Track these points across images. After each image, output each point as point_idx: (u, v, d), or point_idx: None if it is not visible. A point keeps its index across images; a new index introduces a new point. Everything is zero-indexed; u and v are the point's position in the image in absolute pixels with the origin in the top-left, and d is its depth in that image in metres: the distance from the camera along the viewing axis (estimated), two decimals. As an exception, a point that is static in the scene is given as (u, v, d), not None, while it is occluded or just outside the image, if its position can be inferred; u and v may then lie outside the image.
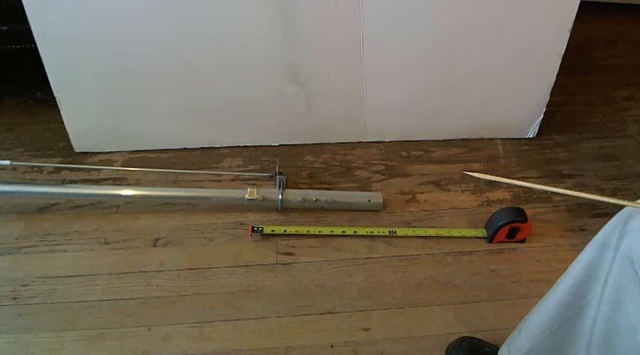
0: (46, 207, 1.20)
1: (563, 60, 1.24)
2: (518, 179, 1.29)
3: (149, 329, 1.00)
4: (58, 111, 1.25)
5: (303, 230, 1.15)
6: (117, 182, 1.27)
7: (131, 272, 1.08)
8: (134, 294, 1.05)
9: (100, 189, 1.21)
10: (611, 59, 1.68)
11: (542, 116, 1.36)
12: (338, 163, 1.33)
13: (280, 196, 1.18)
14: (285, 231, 1.15)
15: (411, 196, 1.26)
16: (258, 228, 1.15)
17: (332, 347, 0.98)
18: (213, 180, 1.28)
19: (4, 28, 1.26)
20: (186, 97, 1.26)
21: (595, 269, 0.65)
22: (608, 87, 1.58)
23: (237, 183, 1.28)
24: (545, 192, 1.27)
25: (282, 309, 1.03)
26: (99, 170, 1.29)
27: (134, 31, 1.14)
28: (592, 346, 0.67)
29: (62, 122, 1.28)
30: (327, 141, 1.38)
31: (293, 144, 1.37)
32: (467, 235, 1.16)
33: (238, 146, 1.37)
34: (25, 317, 1.01)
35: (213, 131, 1.34)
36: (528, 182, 1.32)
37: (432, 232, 1.16)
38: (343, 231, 1.16)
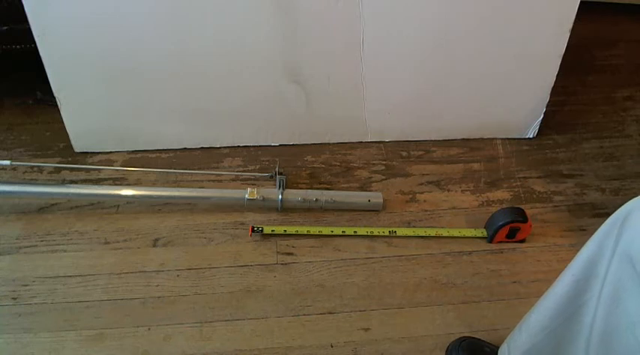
0: (46, 207, 1.20)
1: (563, 60, 1.24)
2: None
3: (149, 329, 1.00)
4: (58, 111, 1.25)
5: (303, 230, 1.15)
6: (117, 182, 1.27)
7: (131, 272, 1.08)
8: (134, 294, 1.05)
9: (100, 189, 1.21)
10: (611, 59, 1.68)
11: (542, 116, 1.36)
12: (338, 163, 1.33)
13: (280, 196, 1.18)
14: (285, 231, 1.15)
15: (411, 196, 1.26)
16: (258, 228, 1.15)
17: (332, 347, 0.98)
18: (213, 180, 1.28)
19: (4, 28, 1.26)
20: (186, 97, 1.26)
21: (594, 266, 0.65)
22: (608, 87, 1.57)
23: (237, 183, 1.28)
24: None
25: (282, 309, 1.03)
26: (99, 170, 1.29)
27: (134, 31, 1.14)
28: (592, 343, 0.67)
29: (62, 122, 1.28)
30: (327, 141, 1.38)
31: (293, 144, 1.37)
32: (467, 235, 1.16)
33: (238, 146, 1.37)
34: (25, 317, 1.01)
35: (213, 131, 1.34)
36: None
37: (432, 232, 1.16)
38: (343, 231, 1.16)
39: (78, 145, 1.33)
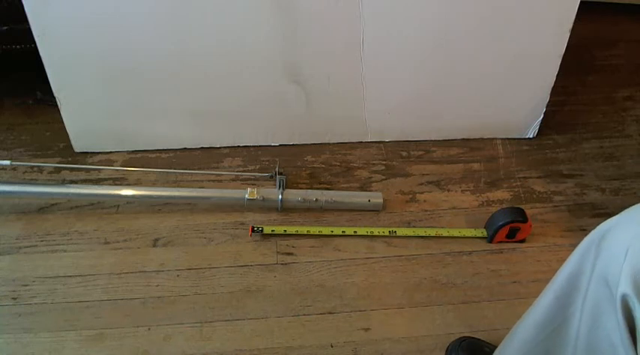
0: (46, 207, 1.20)
1: (563, 60, 1.24)
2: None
3: (149, 329, 1.00)
4: (58, 111, 1.25)
5: (303, 230, 1.15)
6: (117, 182, 1.27)
7: (131, 272, 1.08)
8: (134, 294, 1.05)
9: (100, 189, 1.21)
10: (611, 59, 1.68)
11: (542, 116, 1.36)
12: (338, 163, 1.33)
13: (280, 196, 1.18)
14: (285, 231, 1.15)
15: (411, 196, 1.26)
16: (258, 228, 1.15)
17: (332, 347, 0.98)
18: (213, 180, 1.28)
19: (4, 28, 1.26)
20: (186, 97, 1.26)
21: (576, 281, 0.64)
22: (608, 87, 1.57)
23: (237, 183, 1.28)
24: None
25: (282, 309, 1.03)
26: (99, 170, 1.29)
27: (134, 31, 1.14)
28: None
29: (62, 122, 1.28)
30: (327, 141, 1.38)
31: (293, 144, 1.37)
32: (467, 235, 1.16)
33: (238, 146, 1.37)
34: (25, 317, 1.01)
35: (213, 131, 1.34)
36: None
37: (432, 232, 1.16)
38: (343, 231, 1.16)
39: (78, 145, 1.33)
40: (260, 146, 1.37)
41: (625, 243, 0.55)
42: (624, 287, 0.54)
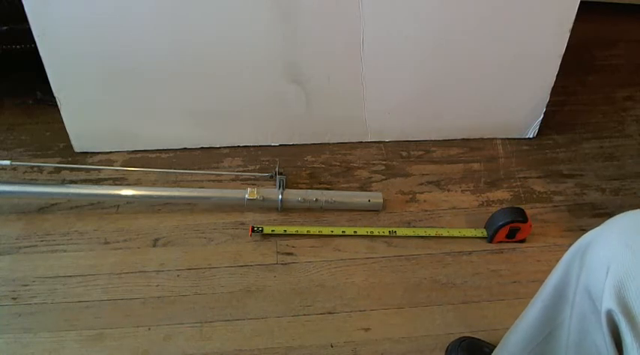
0: (46, 207, 1.20)
1: (563, 60, 1.24)
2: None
3: (149, 329, 1.00)
4: (58, 111, 1.26)
5: (303, 230, 1.15)
6: (117, 182, 1.27)
7: (131, 272, 1.08)
8: (134, 294, 1.05)
9: (100, 189, 1.21)
10: (611, 59, 1.68)
11: (542, 116, 1.36)
12: (338, 163, 1.33)
13: (280, 196, 1.18)
14: (285, 231, 1.15)
15: (411, 196, 1.26)
16: (258, 228, 1.15)
17: (332, 347, 0.98)
18: (213, 180, 1.28)
19: (4, 28, 1.26)
20: (186, 97, 1.26)
21: (563, 291, 0.64)
22: (608, 87, 1.57)
23: (237, 183, 1.28)
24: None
25: (282, 309, 1.03)
26: (99, 170, 1.29)
27: (134, 31, 1.14)
28: None
29: (62, 122, 1.28)
30: (327, 141, 1.38)
31: (293, 144, 1.37)
32: (467, 235, 1.16)
33: (238, 146, 1.37)
34: (25, 317, 1.01)
35: (213, 131, 1.34)
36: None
37: (432, 232, 1.16)
38: (343, 231, 1.16)
39: (78, 145, 1.33)
40: (260, 146, 1.37)
41: (606, 259, 0.55)
42: (608, 302, 0.54)
